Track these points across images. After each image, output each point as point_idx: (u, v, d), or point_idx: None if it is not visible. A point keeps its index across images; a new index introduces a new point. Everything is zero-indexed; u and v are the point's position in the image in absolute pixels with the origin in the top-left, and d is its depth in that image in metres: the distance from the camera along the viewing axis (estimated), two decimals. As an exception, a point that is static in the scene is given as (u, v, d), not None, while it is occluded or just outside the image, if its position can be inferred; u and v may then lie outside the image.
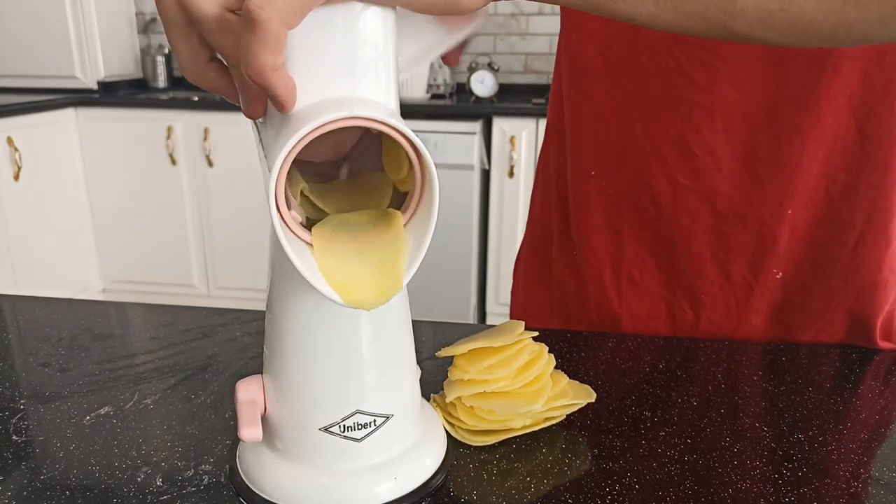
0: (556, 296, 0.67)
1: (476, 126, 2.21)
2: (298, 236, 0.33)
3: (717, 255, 0.59)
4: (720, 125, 0.54)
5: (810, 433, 0.46)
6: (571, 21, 0.58)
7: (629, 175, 0.59)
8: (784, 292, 0.59)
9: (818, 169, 0.54)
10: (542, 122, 2.20)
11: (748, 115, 0.53)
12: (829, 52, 0.50)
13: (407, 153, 0.32)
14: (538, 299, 0.70)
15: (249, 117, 0.33)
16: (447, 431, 0.44)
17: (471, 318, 2.41)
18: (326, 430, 0.37)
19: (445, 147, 2.23)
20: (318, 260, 0.33)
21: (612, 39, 0.56)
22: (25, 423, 0.46)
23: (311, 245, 0.33)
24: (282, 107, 0.29)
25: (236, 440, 0.44)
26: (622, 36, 0.55)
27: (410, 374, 0.41)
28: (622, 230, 0.61)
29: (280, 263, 0.37)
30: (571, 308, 0.66)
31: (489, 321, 2.43)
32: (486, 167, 2.29)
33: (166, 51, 2.93)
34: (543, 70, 2.75)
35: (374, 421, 0.38)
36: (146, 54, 2.92)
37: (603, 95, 0.58)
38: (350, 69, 0.31)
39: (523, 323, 0.47)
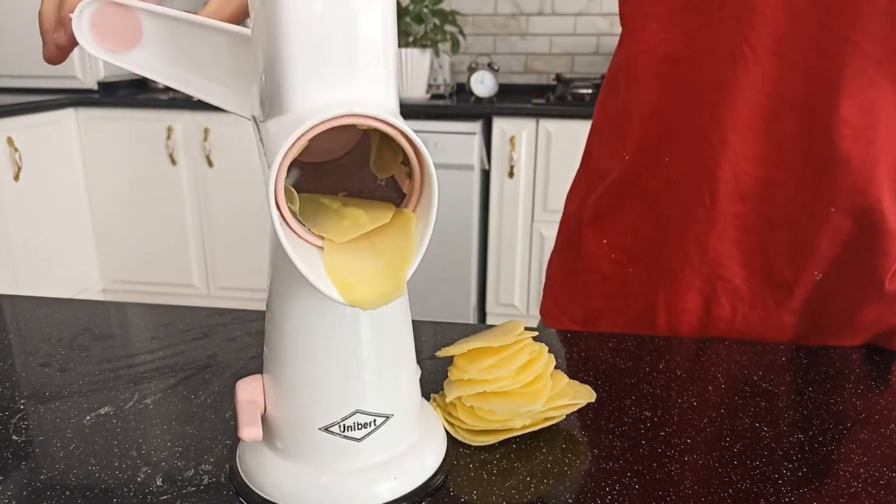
0: (592, 286, 0.67)
1: (476, 126, 2.21)
2: (298, 235, 0.33)
3: (764, 248, 0.59)
4: (783, 114, 0.54)
5: (810, 433, 0.46)
6: (647, 10, 0.58)
7: (691, 163, 0.59)
8: (821, 294, 0.59)
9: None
10: (543, 123, 2.21)
11: (811, 105, 0.53)
12: (878, 49, 0.50)
13: (405, 152, 0.32)
14: (571, 293, 0.70)
15: (47, 61, 0.40)
16: (447, 431, 0.44)
17: (471, 318, 2.41)
18: (326, 429, 0.37)
19: (445, 147, 2.23)
20: (326, 256, 0.33)
21: (692, 27, 0.56)
22: (25, 423, 0.46)
23: (310, 243, 0.33)
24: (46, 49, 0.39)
25: (236, 440, 0.44)
26: (703, 23, 0.55)
27: (410, 373, 0.41)
28: (671, 220, 0.61)
29: (280, 263, 0.37)
30: (610, 299, 0.66)
31: (489, 321, 2.43)
32: (486, 167, 2.29)
33: (166, 51, 2.93)
34: (543, 70, 2.75)
35: (374, 421, 0.38)
36: (146, 54, 2.92)
37: (678, 82, 0.58)
38: (350, 68, 0.31)
39: (523, 323, 0.47)
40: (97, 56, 0.37)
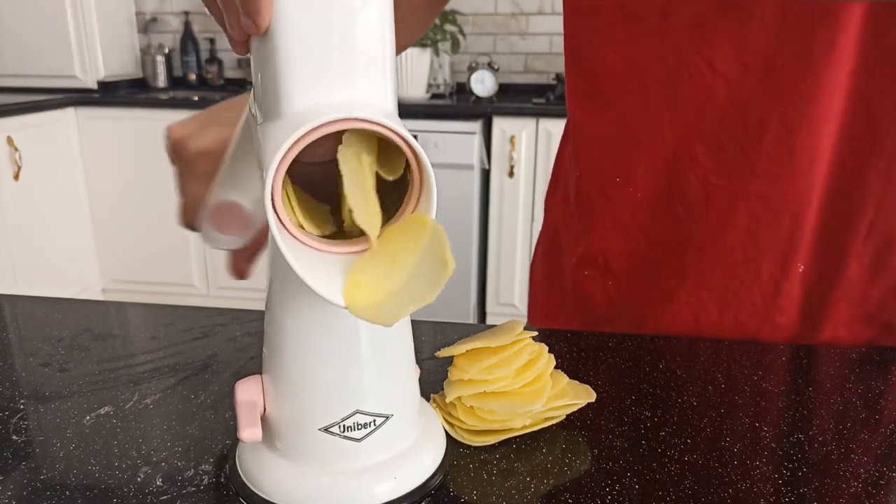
0: (577, 300, 0.67)
1: (476, 126, 2.21)
2: (295, 237, 0.33)
3: (748, 255, 0.58)
4: (753, 124, 0.53)
5: (810, 433, 0.46)
6: (593, 24, 0.57)
7: (658, 178, 0.58)
8: (806, 286, 0.59)
9: (829, 157, 0.54)
10: (543, 122, 2.21)
11: (782, 113, 0.52)
12: (838, 42, 0.50)
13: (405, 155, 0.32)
14: (557, 303, 0.70)
15: (238, 51, 0.34)
16: (447, 431, 0.44)
17: (471, 318, 2.41)
18: (326, 430, 0.37)
19: (445, 147, 2.23)
20: (364, 256, 0.33)
21: (637, 41, 0.55)
22: (25, 423, 0.46)
23: (307, 245, 0.33)
24: (255, 15, 0.29)
25: (236, 440, 0.43)
26: (647, 37, 0.54)
27: (410, 373, 0.41)
28: (649, 235, 0.61)
29: (279, 263, 0.37)
30: (592, 312, 0.66)
31: (489, 321, 2.43)
32: (486, 167, 2.30)
33: (166, 50, 2.94)
34: (543, 70, 2.75)
35: (374, 421, 0.38)
36: (146, 54, 2.92)
37: (628, 99, 0.57)
38: (347, 70, 0.31)
39: (523, 323, 0.47)
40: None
